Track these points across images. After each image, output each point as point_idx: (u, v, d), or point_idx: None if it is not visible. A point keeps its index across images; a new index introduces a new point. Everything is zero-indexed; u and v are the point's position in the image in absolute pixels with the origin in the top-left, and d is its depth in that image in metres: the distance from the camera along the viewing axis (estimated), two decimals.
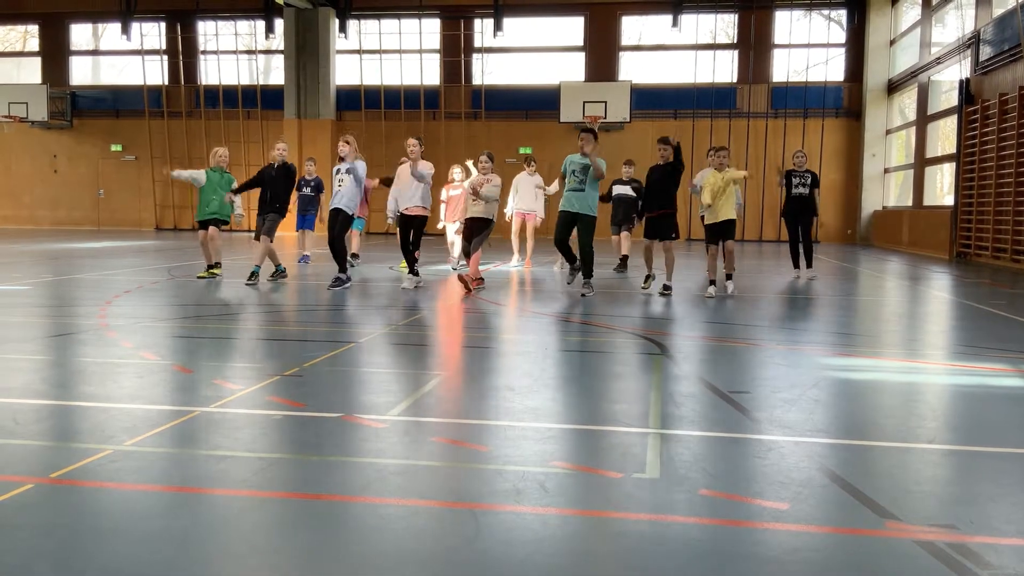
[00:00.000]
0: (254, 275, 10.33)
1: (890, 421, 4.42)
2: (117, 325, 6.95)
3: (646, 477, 3.33)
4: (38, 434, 3.92)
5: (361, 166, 10.20)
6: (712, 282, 9.97)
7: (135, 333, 6.60)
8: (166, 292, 9.56)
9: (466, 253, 10.21)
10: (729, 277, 10.04)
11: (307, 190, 13.48)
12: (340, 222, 10.09)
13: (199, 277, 10.68)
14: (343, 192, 10.08)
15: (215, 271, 10.75)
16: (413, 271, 10.20)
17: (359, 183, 10.19)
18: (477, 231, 10.11)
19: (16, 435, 3.82)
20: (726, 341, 6.80)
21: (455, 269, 11.98)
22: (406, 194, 10.16)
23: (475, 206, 10.13)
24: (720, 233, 10.06)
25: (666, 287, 9.84)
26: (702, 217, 12.17)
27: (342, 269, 10.02)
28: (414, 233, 10.15)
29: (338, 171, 10.20)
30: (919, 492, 3.26)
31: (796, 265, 12.49)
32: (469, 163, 12.01)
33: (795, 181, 12.43)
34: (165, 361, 5.54)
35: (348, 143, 10.18)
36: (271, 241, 10.71)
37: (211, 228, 10.82)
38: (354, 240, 13.32)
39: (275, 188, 10.86)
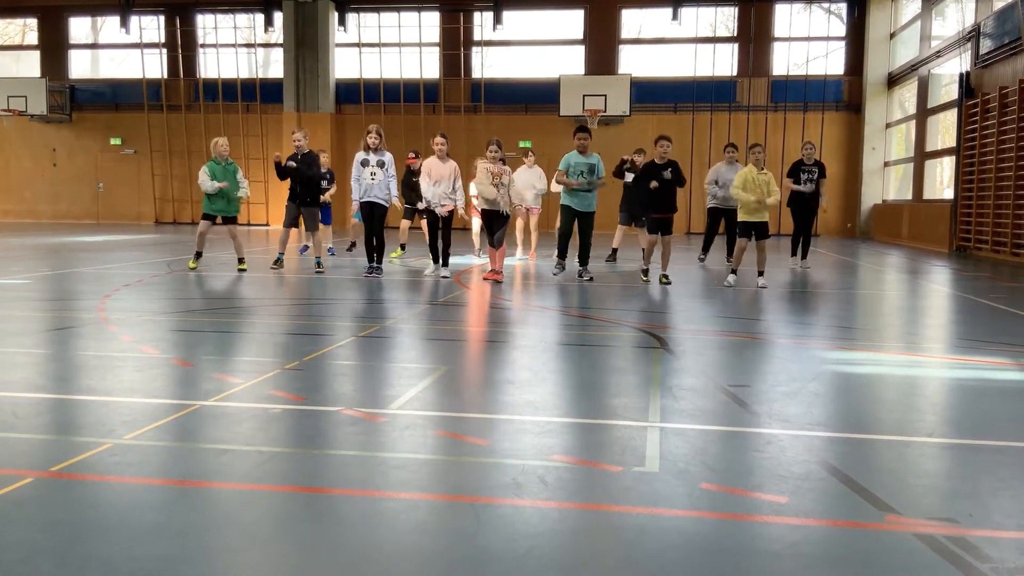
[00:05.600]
0: (319, 264, 11.14)
1: (890, 415, 4.42)
2: (117, 319, 6.95)
3: (645, 471, 3.33)
4: (38, 428, 3.92)
5: (392, 157, 10.55)
6: (734, 271, 10.31)
7: (135, 327, 6.60)
8: (166, 286, 9.55)
9: (491, 243, 10.45)
10: (761, 274, 10.19)
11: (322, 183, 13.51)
12: (378, 217, 10.50)
13: (190, 267, 11.02)
14: (377, 185, 10.38)
15: (242, 265, 11.12)
16: (436, 261, 10.72)
17: (389, 174, 10.46)
18: (496, 222, 10.31)
19: (16, 429, 3.82)
20: (726, 335, 6.80)
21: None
22: (438, 191, 10.48)
23: (492, 202, 10.25)
24: (758, 231, 10.22)
25: (665, 276, 10.20)
26: (712, 208, 12.55)
27: (379, 261, 10.65)
28: (443, 228, 10.60)
29: (367, 163, 10.41)
30: (919, 486, 3.26)
31: (794, 253, 12.78)
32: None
33: (803, 177, 12.59)
34: (165, 355, 5.53)
35: (380, 134, 10.37)
36: (317, 231, 11.37)
37: (230, 227, 11.16)
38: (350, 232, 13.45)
39: (302, 180, 10.98)
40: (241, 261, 11.15)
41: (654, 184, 10.88)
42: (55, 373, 5.09)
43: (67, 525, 2.74)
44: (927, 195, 20.50)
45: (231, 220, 11.14)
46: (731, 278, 10.14)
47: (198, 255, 11.07)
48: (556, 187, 11.57)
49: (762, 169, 10.11)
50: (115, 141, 27.37)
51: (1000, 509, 3.01)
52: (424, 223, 13.27)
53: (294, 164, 10.83)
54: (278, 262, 11.04)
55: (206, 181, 10.82)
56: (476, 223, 13.38)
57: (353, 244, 13.39)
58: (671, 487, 3.15)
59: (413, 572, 2.48)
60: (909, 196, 21.52)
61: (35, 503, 2.94)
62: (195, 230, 11.36)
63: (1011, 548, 2.66)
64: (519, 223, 13.56)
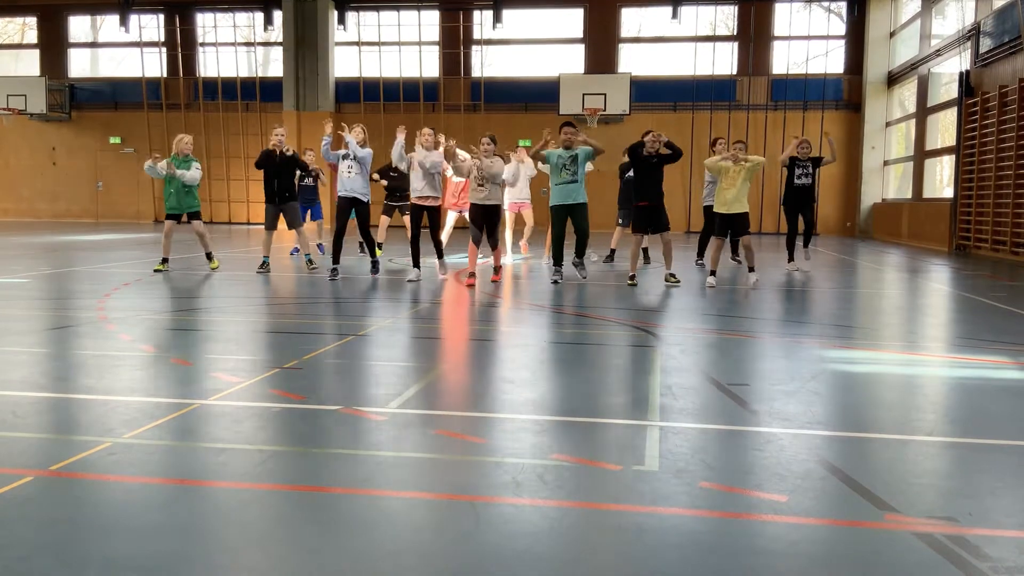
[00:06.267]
0: (310, 261, 11.17)
1: (889, 413, 4.42)
2: (116, 318, 6.95)
3: (645, 469, 3.33)
4: (37, 427, 3.92)
5: (369, 154, 10.33)
6: (713, 272, 10.05)
7: (134, 326, 6.60)
8: (165, 285, 9.55)
9: (475, 240, 10.08)
10: (752, 270, 9.97)
11: (308, 180, 13.53)
12: (361, 214, 10.37)
13: (155, 270, 10.83)
14: (355, 180, 10.25)
15: (216, 264, 11.04)
16: (417, 264, 10.28)
17: (365, 170, 10.34)
18: (488, 220, 9.96)
19: (16, 428, 3.82)
20: (725, 333, 6.80)
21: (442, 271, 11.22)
22: (419, 184, 10.11)
23: (480, 191, 9.87)
24: (734, 227, 10.03)
25: (672, 276, 9.96)
26: (708, 207, 12.24)
27: (373, 255, 10.59)
28: (430, 224, 10.30)
29: (346, 156, 10.28)
30: (918, 484, 3.26)
31: (791, 258, 12.27)
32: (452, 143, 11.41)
33: (798, 171, 12.05)
34: (164, 354, 5.54)
35: (363, 131, 10.33)
36: (301, 227, 11.36)
37: (195, 223, 11.06)
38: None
39: (283, 178, 10.94)
40: (209, 257, 11.07)
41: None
42: (54, 372, 5.08)
43: (67, 524, 2.75)
44: (927, 194, 20.50)
45: (194, 216, 11.01)
46: (711, 279, 9.89)
47: (164, 260, 10.90)
48: (543, 167, 11.44)
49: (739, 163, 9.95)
50: (114, 140, 27.36)
51: (999, 508, 3.01)
52: (406, 219, 13.16)
53: (289, 151, 10.98)
54: (264, 265, 10.88)
55: (152, 167, 10.73)
56: (451, 220, 13.12)
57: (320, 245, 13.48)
58: (670, 486, 3.15)
59: (413, 571, 2.48)
60: (909, 195, 21.52)
61: (35, 502, 2.94)
62: (192, 229, 11.31)
63: (1010, 547, 2.66)
64: (508, 219, 13.28)
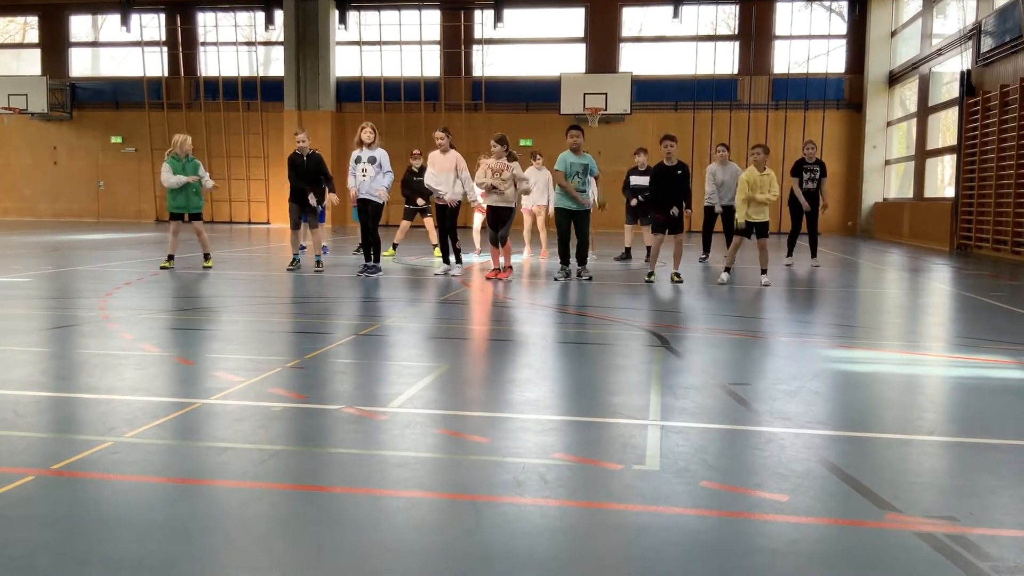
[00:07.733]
0: (319, 262, 11.12)
1: (890, 413, 4.43)
2: (118, 317, 6.96)
3: (646, 469, 3.33)
4: (39, 426, 3.92)
5: (385, 154, 10.41)
6: (728, 269, 10.39)
7: (136, 325, 6.61)
8: (167, 284, 9.56)
9: (492, 241, 10.35)
10: (764, 272, 10.21)
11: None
12: (371, 214, 10.42)
13: (161, 267, 11.03)
14: (368, 182, 10.29)
15: (218, 263, 11.09)
16: (447, 260, 10.63)
17: (384, 171, 10.35)
18: (501, 220, 10.23)
19: (17, 427, 3.82)
20: (727, 333, 6.80)
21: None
22: (442, 184, 10.40)
23: (493, 195, 10.20)
24: (760, 231, 10.33)
25: (676, 275, 10.17)
26: (709, 207, 12.66)
27: (376, 259, 10.54)
28: (449, 221, 10.55)
29: (359, 159, 10.35)
30: (919, 484, 3.26)
31: (790, 253, 12.83)
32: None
33: (805, 176, 12.63)
34: (166, 353, 5.54)
35: (374, 130, 10.38)
36: (318, 228, 11.40)
37: (196, 223, 11.22)
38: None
39: (308, 180, 11.01)
40: (207, 257, 11.15)
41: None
42: (56, 371, 5.09)
43: (68, 522, 2.75)
44: (928, 193, 20.50)
45: (196, 217, 11.19)
46: (724, 275, 10.23)
47: (170, 257, 11.07)
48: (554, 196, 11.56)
49: (764, 171, 10.14)
50: (116, 139, 27.38)
51: (1000, 507, 3.01)
52: (427, 221, 13.38)
53: (315, 202, 11.01)
54: (295, 262, 11.05)
55: (169, 177, 10.82)
56: (478, 220, 13.44)
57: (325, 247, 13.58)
58: (671, 485, 3.15)
59: (414, 570, 2.48)
60: (910, 194, 21.51)
61: (36, 501, 2.95)
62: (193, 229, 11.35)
63: (1011, 546, 2.66)
64: (526, 223, 13.56)
